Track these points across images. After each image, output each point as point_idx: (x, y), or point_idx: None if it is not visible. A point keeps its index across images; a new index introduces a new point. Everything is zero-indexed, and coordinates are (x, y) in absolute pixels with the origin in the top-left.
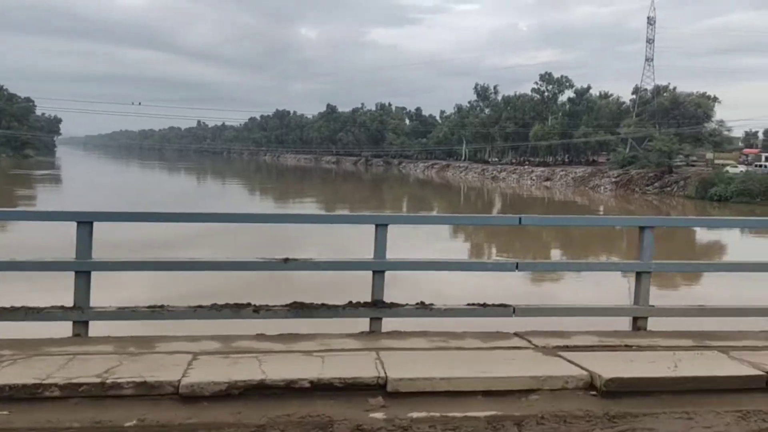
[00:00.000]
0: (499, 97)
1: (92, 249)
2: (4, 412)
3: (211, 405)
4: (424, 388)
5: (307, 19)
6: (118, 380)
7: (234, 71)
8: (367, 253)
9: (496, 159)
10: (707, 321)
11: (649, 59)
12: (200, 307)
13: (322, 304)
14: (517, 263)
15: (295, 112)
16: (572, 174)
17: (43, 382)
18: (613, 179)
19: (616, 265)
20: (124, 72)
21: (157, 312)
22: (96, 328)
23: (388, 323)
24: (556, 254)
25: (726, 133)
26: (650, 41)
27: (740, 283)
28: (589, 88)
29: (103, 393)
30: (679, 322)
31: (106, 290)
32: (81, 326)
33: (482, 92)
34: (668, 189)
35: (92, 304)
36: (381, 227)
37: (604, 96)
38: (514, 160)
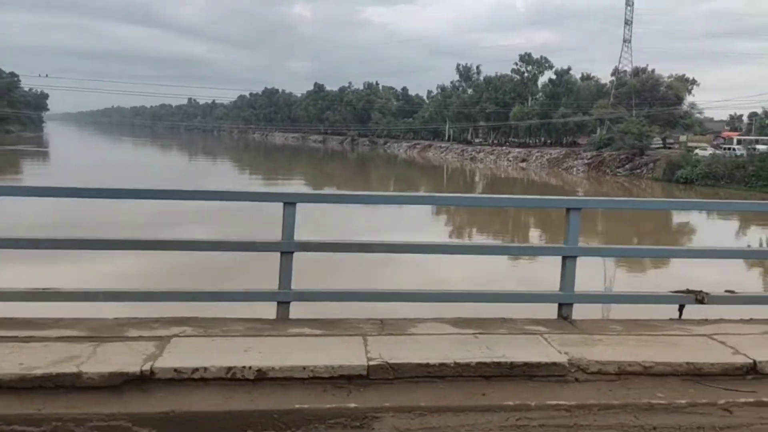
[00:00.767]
0: (482, 78)
1: None
2: None
3: None
4: None
5: None
6: None
7: (227, 49)
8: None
9: (481, 140)
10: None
11: (627, 40)
12: None
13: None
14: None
15: (284, 91)
16: (547, 155)
17: None
18: (586, 161)
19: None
20: (117, 48)
21: None
22: None
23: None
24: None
25: (698, 115)
26: (628, 22)
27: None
28: (569, 69)
29: None
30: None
31: None
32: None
33: (465, 72)
34: (638, 171)
35: None
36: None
37: (587, 77)
38: (496, 141)
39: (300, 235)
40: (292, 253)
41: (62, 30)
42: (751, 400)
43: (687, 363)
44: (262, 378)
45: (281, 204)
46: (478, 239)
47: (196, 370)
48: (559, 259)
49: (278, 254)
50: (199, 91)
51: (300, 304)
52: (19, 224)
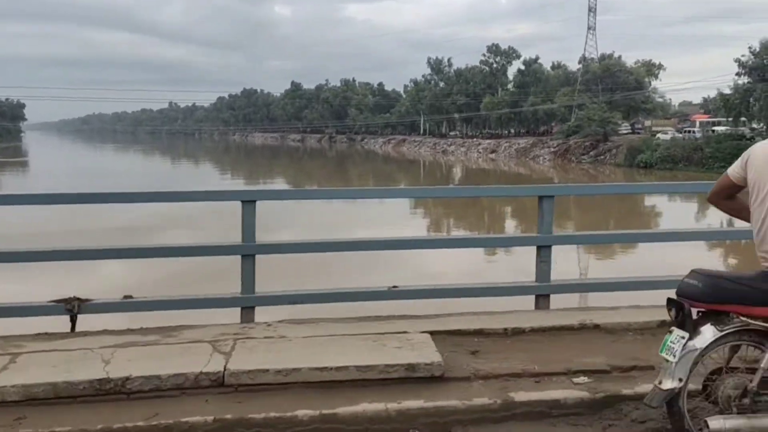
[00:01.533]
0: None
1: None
2: None
3: None
4: None
5: None
6: None
7: (207, 51)
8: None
9: (457, 132)
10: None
11: (591, 28)
12: None
13: None
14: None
15: (262, 91)
16: (515, 145)
17: None
18: (552, 149)
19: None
20: (96, 54)
21: None
22: None
23: None
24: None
25: (659, 100)
26: (592, 9)
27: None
28: (537, 58)
29: None
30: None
31: None
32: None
33: (436, 66)
34: (601, 158)
35: None
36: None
37: (557, 66)
38: (470, 133)
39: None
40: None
41: (42, 38)
42: None
43: None
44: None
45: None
46: (456, 233)
47: None
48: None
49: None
50: (180, 95)
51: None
52: None
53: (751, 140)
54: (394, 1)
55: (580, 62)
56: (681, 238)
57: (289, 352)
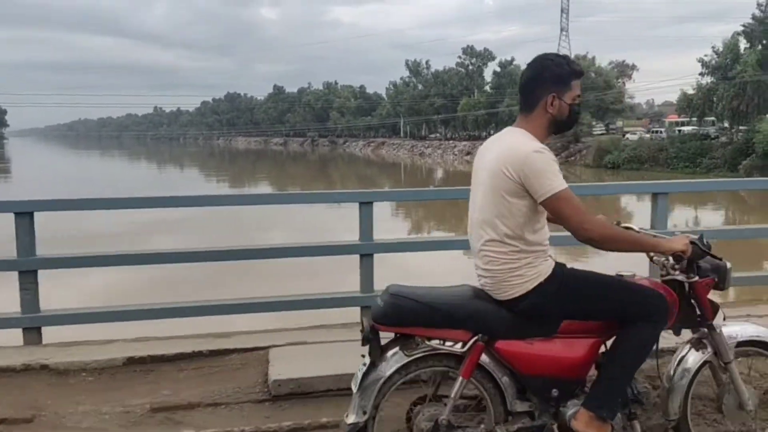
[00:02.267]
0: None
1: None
2: None
3: None
4: None
5: None
6: None
7: (192, 55)
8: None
9: (437, 135)
10: None
11: (564, 29)
12: None
13: None
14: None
15: (246, 94)
16: None
17: None
18: None
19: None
20: (81, 59)
21: None
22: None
23: None
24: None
25: (629, 100)
26: (564, 11)
27: None
28: (512, 60)
29: None
30: None
31: None
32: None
33: (414, 68)
34: (572, 159)
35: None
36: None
37: None
38: (449, 136)
39: None
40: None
41: (26, 43)
42: None
43: None
44: None
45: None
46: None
47: None
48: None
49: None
50: (165, 99)
51: None
52: None
53: (716, 139)
54: (381, 3)
55: None
56: None
57: None
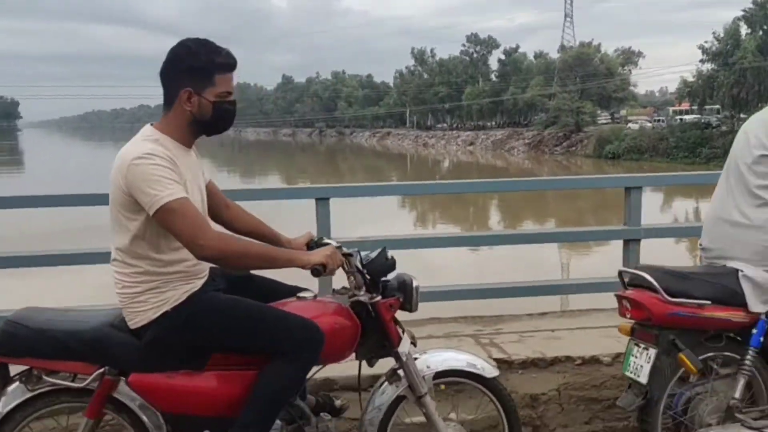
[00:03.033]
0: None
1: None
2: None
3: None
4: None
5: None
6: None
7: None
8: None
9: (445, 125)
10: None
11: (568, 15)
12: None
13: None
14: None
15: (255, 84)
16: (492, 137)
17: None
18: (526, 141)
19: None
20: (93, 50)
21: None
22: None
23: None
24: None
25: (633, 88)
26: None
27: None
28: (517, 47)
29: None
30: None
31: None
32: None
33: (419, 56)
34: (573, 149)
35: None
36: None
37: (539, 55)
38: (455, 125)
39: None
40: None
41: (39, 35)
42: None
43: None
44: None
45: None
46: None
47: None
48: None
49: None
50: None
51: None
52: None
53: (717, 128)
54: None
55: (558, 51)
56: None
57: None
